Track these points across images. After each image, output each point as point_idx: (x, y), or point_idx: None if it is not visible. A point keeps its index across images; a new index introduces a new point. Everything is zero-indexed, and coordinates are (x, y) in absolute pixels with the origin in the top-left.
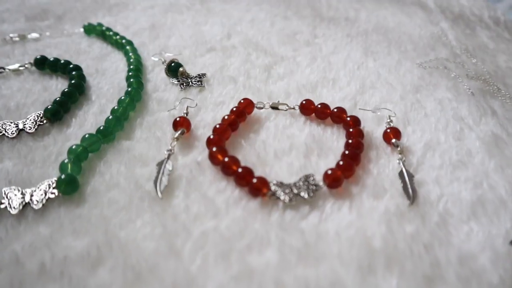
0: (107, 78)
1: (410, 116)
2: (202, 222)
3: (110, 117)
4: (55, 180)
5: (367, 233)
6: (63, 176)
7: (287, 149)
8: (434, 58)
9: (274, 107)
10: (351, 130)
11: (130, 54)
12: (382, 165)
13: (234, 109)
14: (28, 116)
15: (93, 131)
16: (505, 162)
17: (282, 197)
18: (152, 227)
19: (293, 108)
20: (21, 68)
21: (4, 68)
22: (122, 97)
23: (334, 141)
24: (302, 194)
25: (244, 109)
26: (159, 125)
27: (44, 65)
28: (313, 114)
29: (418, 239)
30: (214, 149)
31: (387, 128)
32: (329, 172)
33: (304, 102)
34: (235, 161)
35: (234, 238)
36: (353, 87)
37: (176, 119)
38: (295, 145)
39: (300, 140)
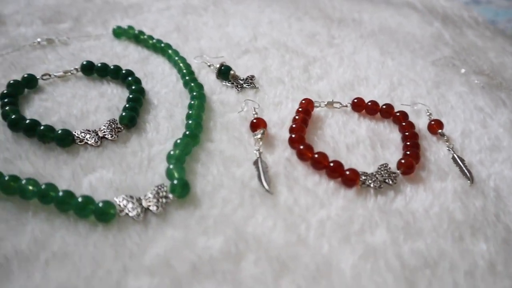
0: (158, 81)
1: (440, 109)
2: (314, 212)
3: (190, 121)
4: (165, 185)
5: (449, 209)
6: (175, 181)
7: (355, 143)
8: (442, 57)
9: (329, 106)
10: (403, 123)
11: (176, 58)
12: (435, 152)
13: (300, 109)
14: (104, 123)
15: (171, 135)
16: None
17: (372, 185)
18: (274, 221)
19: (346, 106)
20: (67, 74)
21: (50, 75)
22: (192, 102)
23: (389, 133)
24: (387, 181)
25: (308, 108)
26: (232, 126)
27: (92, 70)
28: (364, 110)
29: (487, 211)
30: (302, 147)
31: (431, 121)
32: (403, 161)
33: (355, 100)
34: (324, 156)
35: (346, 223)
36: (384, 84)
37: (253, 120)
38: (360, 139)
39: (362, 134)
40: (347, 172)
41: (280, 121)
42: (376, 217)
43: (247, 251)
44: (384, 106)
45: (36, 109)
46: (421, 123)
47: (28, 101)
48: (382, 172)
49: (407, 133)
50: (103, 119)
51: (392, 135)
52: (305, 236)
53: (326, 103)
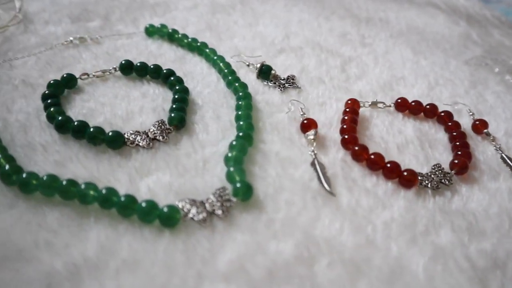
0: (199, 81)
1: (479, 109)
2: (377, 214)
3: (241, 122)
4: (227, 188)
5: (507, 209)
6: (238, 184)
7: (404, 143)
8: (473, 56)
9: (373, 106)
10: (449, 123)
11: (215, 57)
12: (483, 152)
13: (347, 109)
14: (153, 124)
15: (222, 137)
16: None
17: (429, 185)
18: (340, 223)
19: (390, 106)
20: (105, 73)
21: (88, 74)
22: (240, 102)
23: (434, 133)
24: (443, 181)
25: (355, 108)
26: (281, 127)
27: (131, 70)
28: (407, 111)
29: None
30: (356, 148)
31: (475, 120)
32: (456, 161)
33: (399, 100)
34: (380, 156)
35: (411, 224)
36: (422, 84)
37: (303, 121)
38: (409, 139)
39: (410, 134)
40: (405, 173)
41: (328, 122)
42: (438, 218)
43: (319, 254)
44: (428, 106)
45: (79, 110)
46: (463, 123)
47: (69, 102)
48: (437, 173)
49: (454, 133)
50: (149, 120)
51: (438, 135)
52: (373, 238)
53: (370, 103)
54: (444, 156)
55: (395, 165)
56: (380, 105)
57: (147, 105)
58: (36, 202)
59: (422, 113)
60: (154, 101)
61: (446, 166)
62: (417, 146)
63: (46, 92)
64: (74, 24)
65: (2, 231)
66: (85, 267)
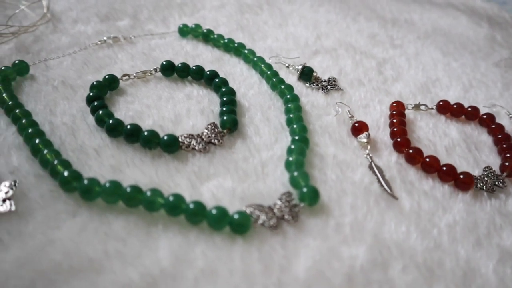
0: (241, 83)
1: None
2: (440, 217)
3: (295, 125)
4: (292, 193)
5: None
6: (304, 189)
7: (452, 145)
8: (502, 58)
9: (416, 108)
10: (493, 126)
11: (255, 59)
12: None
13: (394, 112)
14: (206, 127)
15: (275, 140)
16: None
17: (484, 188)
18: (406, 226)
19: (432, 108)
20: (146, 74)
21: (129, 75)
22: (289, 105)
23: (477, 136)
24: (497, 183)
25: (402, 111)
26: (332, 129)
27: (172, 71)
28: (448, 113)
29: None
30: (411, 151)
31: None
32: (506, 163)
33: (441, 102)
34: (435, 159)
35: (473, 227)
36: (457, 86)
37: (354, 124)
38: (455, 142)
39: (456, 137)
40: (462, 176)
41: (375, 124)
42: (498, 220)
43: (391, 258)
44: (470, 109)
45: (125, 112)
46: (503, 125)
47: (114, 104)
48: (489, 175)
49: (499, 136)
50: (199, 123)
51: (481, 137)
52: (440, 241)
53: (413, 105)
54: (491, 158)
55: (451, 168)
56: (423, 107)
57: (194, 107)
58: (99, 210)
59: (463, 116)
60: (200, 103)
61: (495, 168)
62: (464, 149)
63: (91, 94)
64: (103, 23)
65: (69, 240)
66: (162, 277)
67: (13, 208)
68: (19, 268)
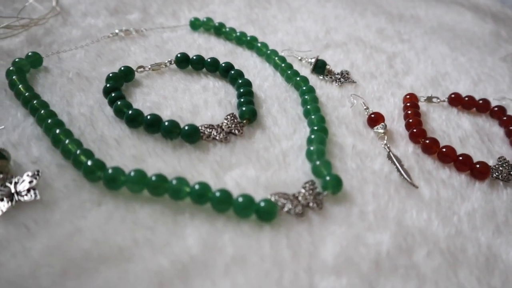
0: (255, 75)
1: None
2: (459, 205)
3: (312, 116)
4: (314, 181)
5: None
6: (328, 178)
7: (465, 136)
8: (508, 53)
9: (428, 101)
10: (504, 118)
11: (268, 52)
12: None
13: (408, 104)
14: (225, 118)
15: (293, 130)
16: None
17: (500, 177)
18: (427, 214)
19: (444, 101)
20: (161, 66)
21: (144, 67)
22: (306, 97)
23: (490, 127)
24: (511, 173)
25: (415, 102)
26: (348, 120)
27: (187, 63)
28: (460, 105)
29: None
30: (427, 141)
31: None
32: None
33: (452, 95)
34: (452, 149)
35: (492, 215)
36: (466, 80)
37: (370, 115)
38: (468, 133)
39: (468, 128)
40: (478, 165)
41: (390, 116)
42: None
43: (416, 245)
44: (481, 101)
45: (142, 103)
46: None
47: (130, 95)
48: (504, 165)
49: (511, 127)
50: (218, 114)
51: (493, 129)
52: (461, 228)
53: (425, 98)
54: (504, 149)
55: (467, 158)
56: (435, 100)
57: (211, 99)
58: (124, 199)
59: (474, 108)
60: (217, 95)
61: (508, 159)
62: (478, 140)
63: (108, 85)
64: (113, 16)
65: (96, 229)
66: (193, 264)
67: (38, 197)
68: (49, 256)
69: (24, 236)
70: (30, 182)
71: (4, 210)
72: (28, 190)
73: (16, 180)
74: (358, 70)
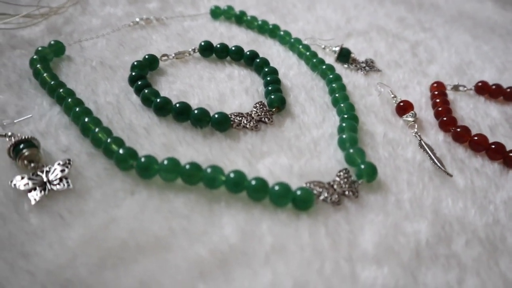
0: (280, 64)
1: None
2: (493, 193)
3: (342, 104)
4: (348, 169)
5: None
6: (362, 166)
7: (495, 125)
8: None
9: (454, 89)
10: None
11: (292, 40)
12: None
13: (436, 92)
14: (254, 106)
15: (322, 119)
16: None
17: None
18: (463, 203)
19: (470, 89)
20: (184, 55)
21: (167, 55)
22: (334, 85)
23: None
24: None
25: (443, 91)
26: (376, 109)
27: (211, 51)
28: (487, 94)
29: None
30: (458, 129)
31: None
32: None
33: (479, 84)
34: (484, 138)
35: None
36: (491, 69)
37: (399, 103)
38: (497, 122)
39: (497, 116)
40: (511, 154)
41: (417, 104)
42: None
43: (454, 233)
44: (508, 89)
45: (168, 91)
46: None
47: (155, 83)
48: None
49: None
50: (245, 102)
51: None
52: (498, 217)
53: (452, 86)
54: None
55: (500, 146)
56: (461, 88)
57: (237, 87)
58: (157, 187)
59: (501, 97)
60: (243, 83)
61: None
62: (508, 128)
63: (133, 74)
64: (132, 5)
65: (132, 218)
66: (232, 253)
67: (71, 186)
68: (85, 246)
69: (60, 225)
70: (62, 171)
71: (38, 199)
72: (60, 179)
73: (47, 169)
74: (382, 59)
